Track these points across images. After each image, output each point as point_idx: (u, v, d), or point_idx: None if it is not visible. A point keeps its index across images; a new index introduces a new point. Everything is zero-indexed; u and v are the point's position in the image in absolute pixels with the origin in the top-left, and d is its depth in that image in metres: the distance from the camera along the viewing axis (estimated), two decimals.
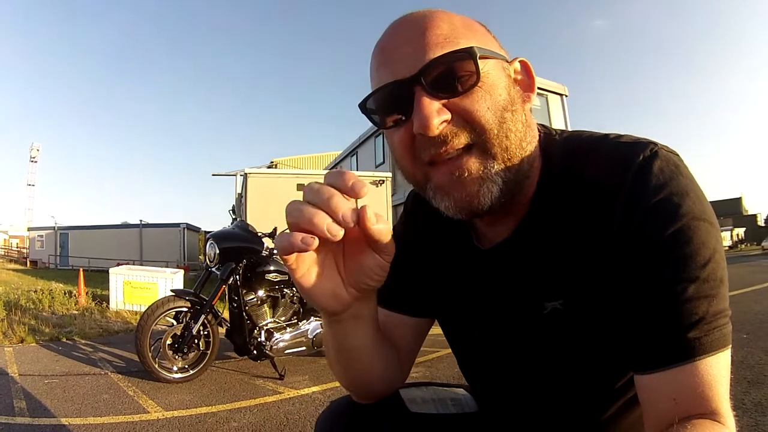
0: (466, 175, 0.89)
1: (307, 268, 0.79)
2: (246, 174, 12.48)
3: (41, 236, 48.10)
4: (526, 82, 0.98)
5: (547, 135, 1.04)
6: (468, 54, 0.85)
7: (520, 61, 0.98)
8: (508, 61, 0.95)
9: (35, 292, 12.73)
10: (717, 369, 0.80)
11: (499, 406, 1.21)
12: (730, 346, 0.83)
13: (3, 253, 59.25)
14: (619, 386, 1.03)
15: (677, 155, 0.92)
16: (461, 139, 0.88)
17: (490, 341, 1.13)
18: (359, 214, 0.72)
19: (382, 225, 0.74)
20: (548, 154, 1.01)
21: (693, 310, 0.80)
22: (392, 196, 13.82)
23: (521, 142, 0.92)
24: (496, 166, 0.89)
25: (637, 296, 0.85)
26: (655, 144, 0.91)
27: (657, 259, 0.83)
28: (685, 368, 0.79)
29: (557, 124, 19.90)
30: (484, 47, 0.89)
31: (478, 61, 0.86)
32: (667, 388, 0.81)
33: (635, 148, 0.91)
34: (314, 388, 4.90)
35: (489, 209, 0.92)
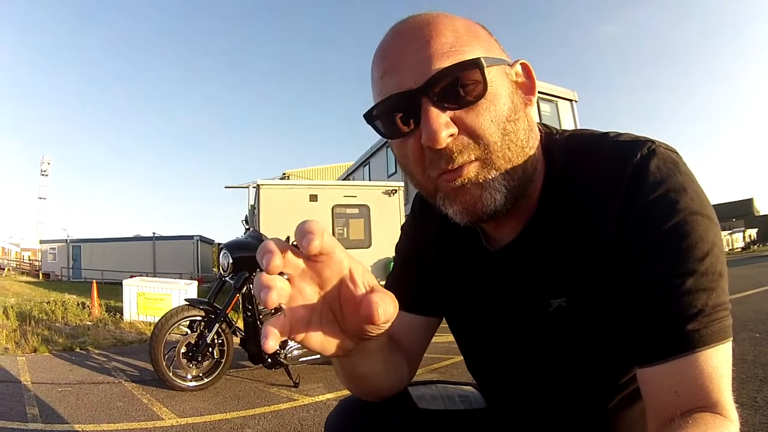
0: (468, 184, 0.90)
1: (304, 330, 0.70)
2: (259, 185, 12.46)
3: (53, 249, 48.23)
4: (527, 85, 0.99)
5: (548, 135, 1.06)
6: (475, 65, 0.86)
7: (521, 64, 0.98)
8: (510, 65, 0.96)
9: (48, 303, 12.77)
10: (717, 361, 0.80)
11: (507, 403, 1.22)
12: (731, 339, 0.83)
13: (15, 265, 59.61)
14: (622, 381, 1.03)
15: (676, 153, 0.92)
16: (465, 155, 0.88)
17: (498, 339, 1.15)
18: (370, 312, 0.65)
19: (390, 320, 0.68)
20: (550, 155, 1.02)
21: (692, 303, 0.81)
22: (405, 205, 13.82)
23: (523, 149, 0.93)
24: (499, 176, 0.91)
25: (637, 290, 0.86)
26: (653, 142, 0.92)
27: (656, 253, 0.84)
28: (685, 360, 0.80)
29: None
30: (488, 55, 0.89)
31: (485, 70, 0.86)
32: (668, 381, 0.81)
33: (633, 146, 0.92)
34: (329, 395, 4.89)
35: (494, 214, 0.93)
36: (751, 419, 3.28)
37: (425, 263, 1.24)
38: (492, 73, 0.88)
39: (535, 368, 1.10)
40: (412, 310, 1.22)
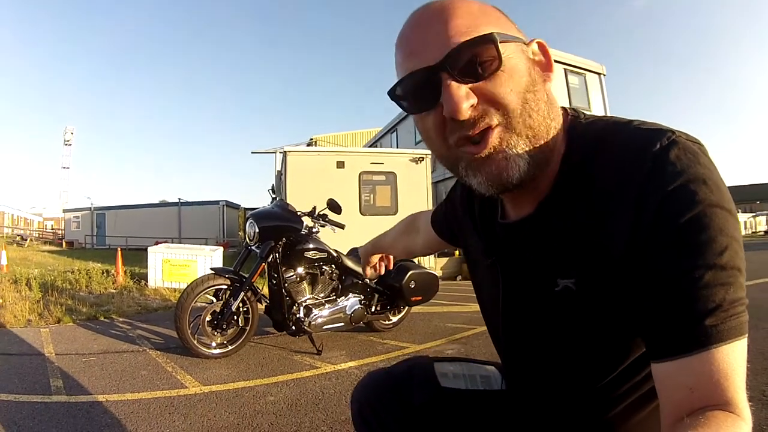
0: (494, 152, 0.93)
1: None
2: (285, 152, 12.43)
3: (77, 217, 48.62)
4: (544, 63, 1.01)
5: (573, 118, 1.07)
6: (490, 40, 0.89)
7: (537, 43, 1.01)
8: (526, 44, 0.98)
9: (72, 272, 12.75)
10: (733, 358, 0.80)
11: (521, 384, 1.27)
12: (747, 335, 0.82)
13: (38, 235, 60.27)
14: (633, 376, 1.04)
15: (698, 143, 0.91)
16: (487, 121, 0.91)
17: (509, 310, 1.18)
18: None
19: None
20: (572, 136, 1.03)
21: (710, 297, 0.80)
22: (432, 173, 13.79)
23: (544, 119, 0.96)
24: (521, 143, 0.93)
25: (654, 284, 0.85)
26: (674, 132, 0.91)
27: (673, 246, 0.83)
28: (702, 356, 0.79)
29: (595, 102, 19.62)
30: (503, 32, 0.92)
31: (499, 45, 0.89)
32: (684, 377, 0.81)
33: (654, 135, 0.91)
34: (351, 363, 4.90)
35: (519, 183, 0.96)
36: (758, 413, 3.14)
37: (455, 216, 1.43)
38: (508, 50, 0.91)
39: (539, 346, 1.14)
40: (435, 229, 1.66)
